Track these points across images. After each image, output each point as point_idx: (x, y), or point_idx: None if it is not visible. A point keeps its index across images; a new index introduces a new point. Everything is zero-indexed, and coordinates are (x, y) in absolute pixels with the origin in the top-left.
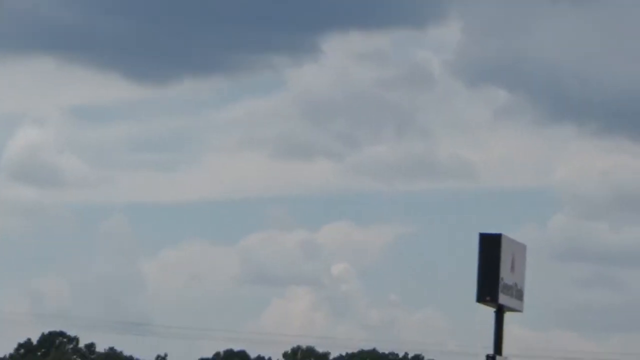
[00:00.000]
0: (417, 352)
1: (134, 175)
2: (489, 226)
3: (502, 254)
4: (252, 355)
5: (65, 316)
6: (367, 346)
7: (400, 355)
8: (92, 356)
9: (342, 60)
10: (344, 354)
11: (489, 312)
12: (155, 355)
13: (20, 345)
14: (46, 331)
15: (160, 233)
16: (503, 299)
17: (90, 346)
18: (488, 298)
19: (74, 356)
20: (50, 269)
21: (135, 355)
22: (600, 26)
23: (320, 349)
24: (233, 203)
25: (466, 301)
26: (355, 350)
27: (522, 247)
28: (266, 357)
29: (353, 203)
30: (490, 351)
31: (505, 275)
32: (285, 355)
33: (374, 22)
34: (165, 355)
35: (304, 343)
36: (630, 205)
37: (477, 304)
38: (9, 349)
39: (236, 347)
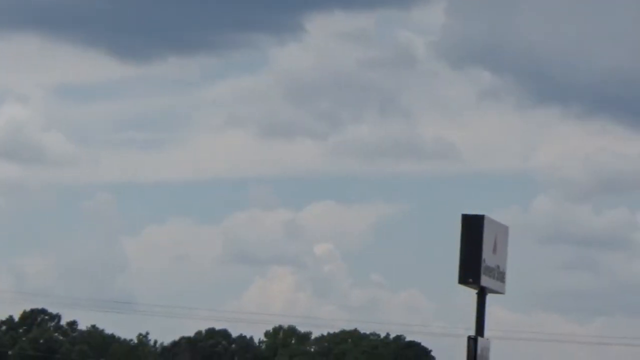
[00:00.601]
0: (399, 333)
1: (118, 154)
2: (472, 208)
3: (484, 236)
4: (234, 334)
5: (48, 294)
6: (349, 326)
7: (382, 335)
8: (74, 334)
9: (326, 40)
10: (325, 334)
11: (471, 293)
12: (137, 334)
13: (1, 323)
14: (28, 308)
15: (143, 212)
16: (485, 280)
17: (72, 324)
18: (470, 280)
19: (56, 334)
20: (33, 247)
21: (117, 334)
22: (585, 9)
23: (302, 329)
24: (216, 182)
25: (448, 282)
26: (337, 331)
27: (504, 229)
28: (248, 337)
29: (336, 183)
30: (472, 332)
31: (488, 257)
32: (267, 334)
33: (359, 2)
34: (147, 333)
35: (286, 323)
36: (614, 188)
37: (459, 285)
38: None
39: (218, 326)
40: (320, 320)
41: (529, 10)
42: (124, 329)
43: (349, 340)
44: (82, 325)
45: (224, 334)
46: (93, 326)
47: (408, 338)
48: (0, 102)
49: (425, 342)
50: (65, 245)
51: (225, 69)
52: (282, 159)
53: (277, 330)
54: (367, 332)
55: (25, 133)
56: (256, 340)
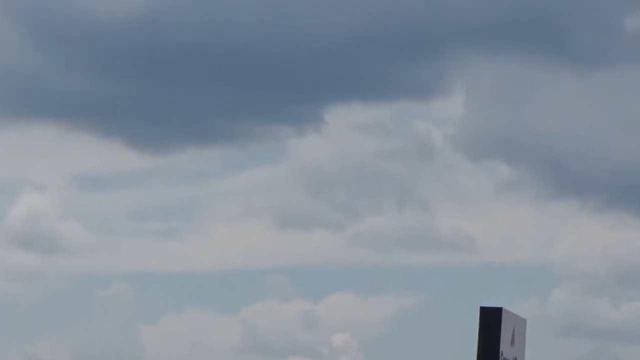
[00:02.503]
0: None
1: (136, 244)
2: (490, 300)
3: (502, 328)
4: None
5: None
6: None
7: None
8: None
9: (344, 131)
10: None
11: None
12: None
13: None
14: None
15: (161, 301)
16: None
17: None
18: None
19: None
20: (50, 336)
21: None
22: (601, 102)
23: None
24: (234, 272)
25: None
26: None
27: (522, 321)
28: None
29: (353, 274)
30: None
31: (505, 349)
32: None
33: (377, 94)
34: None
35: None
36: (632, 282)
37: None
38: None
39: None
40: None
41: (546, 103)
42: None
43: None
44: None
45: None
46: None
47: None
48: (17, 191)
49: None
50: (82, 334)
51: (243, 159)
52: (299, 250)
53: None
54: None
55: (42, 222)
56: None
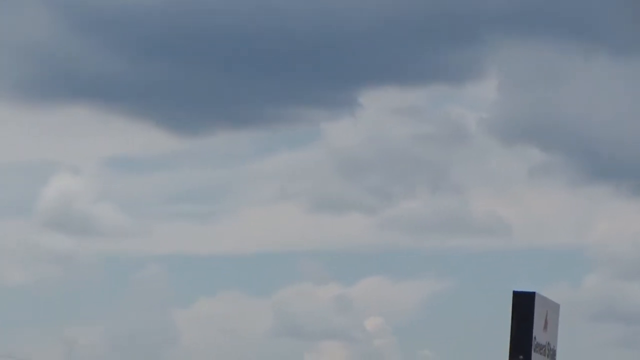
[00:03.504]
0: None
1: (169, 226)
2: (523, 284)
3: (535, 312)
4: None
5: None
6: None
7: None
8: None
9: (379, 114)
10: None
11: None
12: None
13: None
14: None
15: (194, 285)
16: (535, 357)
17: None
18: (521, 357)
19: None
20: (85, 319)
21: None
22: (636, 85)
23: None
24: (267, 255)
25: (499, 359)
26: None
27: (555, 306)
28: None
29: (387, 258)
30: None
31: (538, 333)
32: None
33: (411, 77)
34: None
35: None
36: None
37: None
38: None
39: None
40: None
41: (579, 87)
42: None
43: None
44: None
45: None
46: None
47: None
48: (51, 173)
49: None
50: (115, 317)
51: (276, 142)
52: (332, 234)
53: None
54: None
55: (76, 204)
56: None
